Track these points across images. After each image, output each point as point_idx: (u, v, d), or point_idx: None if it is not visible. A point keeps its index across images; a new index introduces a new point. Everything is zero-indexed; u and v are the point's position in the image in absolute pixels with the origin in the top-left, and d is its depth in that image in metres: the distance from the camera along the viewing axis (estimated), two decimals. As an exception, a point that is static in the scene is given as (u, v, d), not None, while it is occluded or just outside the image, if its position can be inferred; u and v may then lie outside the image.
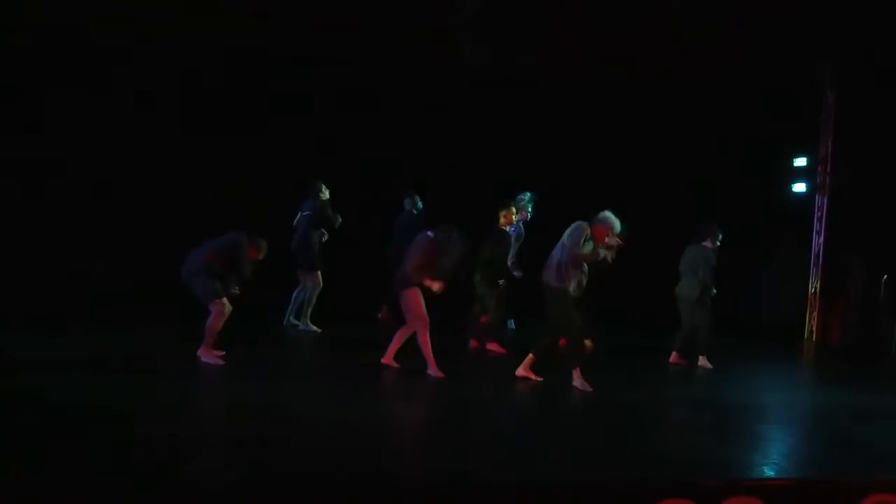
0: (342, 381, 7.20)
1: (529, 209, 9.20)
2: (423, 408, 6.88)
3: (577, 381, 7.12)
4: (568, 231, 7.14)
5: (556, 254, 7.12)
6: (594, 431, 6.22)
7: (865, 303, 10.27)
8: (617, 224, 7.13)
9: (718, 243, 8.58)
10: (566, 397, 7.10)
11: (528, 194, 9.22)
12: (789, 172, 11.43)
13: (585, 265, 7.12)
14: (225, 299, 7.30)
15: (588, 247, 7.09)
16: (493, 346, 8.69)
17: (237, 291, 7.52)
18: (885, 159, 10.08)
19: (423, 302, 7.30)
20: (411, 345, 7.44)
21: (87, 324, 8.69)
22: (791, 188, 11.42)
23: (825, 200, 11.01)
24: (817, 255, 11.08)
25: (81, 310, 8.89)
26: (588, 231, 7.07)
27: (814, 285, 11.06)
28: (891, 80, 10.00)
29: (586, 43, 9.94)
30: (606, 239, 7.10)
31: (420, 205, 10.15)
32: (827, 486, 5.03)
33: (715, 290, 8.56)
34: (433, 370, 7.29)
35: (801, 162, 11.32)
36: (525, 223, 9.24)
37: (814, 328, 10.97)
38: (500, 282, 8.62)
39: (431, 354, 7.32)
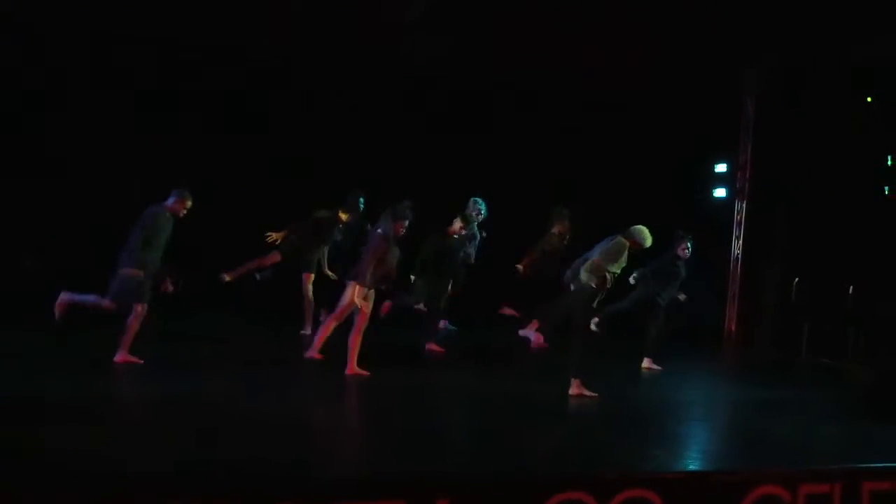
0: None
1: (483, 211, 9.55)
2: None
3: (575, 389, 7.16)
4: (605, 245, 7.24)
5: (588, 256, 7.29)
6: (496, 426, 6.35)
7: (780, 304, 10.62)
8: (648, 239, 7.24)
9: (684, 245, 8.76)
10: (479, 393, 7.29)
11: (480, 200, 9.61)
12: (710, 178, 11.76)
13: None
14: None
15: (622, 262, 7.18)
16: (431, 347, 8.87)
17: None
18: (802, 165, 10.44)
19: (368, 299, 7.32)
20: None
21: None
22: (712, 193, 11.75)
23: (744, 205, 11.36)
24: (736, 259, 11.42)
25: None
26: (626, 247, 7.15)
27: (733, 288, 11.39)
28: (808, 88, 10.37)
29: (514, 44, 10.15)
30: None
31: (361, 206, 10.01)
32: (718, 478, 5.26)
33: (678, 297, 8.89)
34: (351, 368, 7.35)
35: (721, 168, 11.66)
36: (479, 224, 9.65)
37: (732, 329, 11.30)
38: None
39: (356, 354, 7.37)
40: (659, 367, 8.81)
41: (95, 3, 9.35)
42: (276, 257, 8.98)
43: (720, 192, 11.69)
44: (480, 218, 9.48)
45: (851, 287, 9.52)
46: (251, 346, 8.88)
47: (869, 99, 9.69)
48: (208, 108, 10.54)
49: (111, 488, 4.30)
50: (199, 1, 9.21)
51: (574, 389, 7.16)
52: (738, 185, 11.40)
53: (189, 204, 7.45)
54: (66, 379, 6.72)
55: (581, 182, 11.51)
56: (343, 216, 9.17)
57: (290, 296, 9.32)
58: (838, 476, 5.33)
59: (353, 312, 7.44)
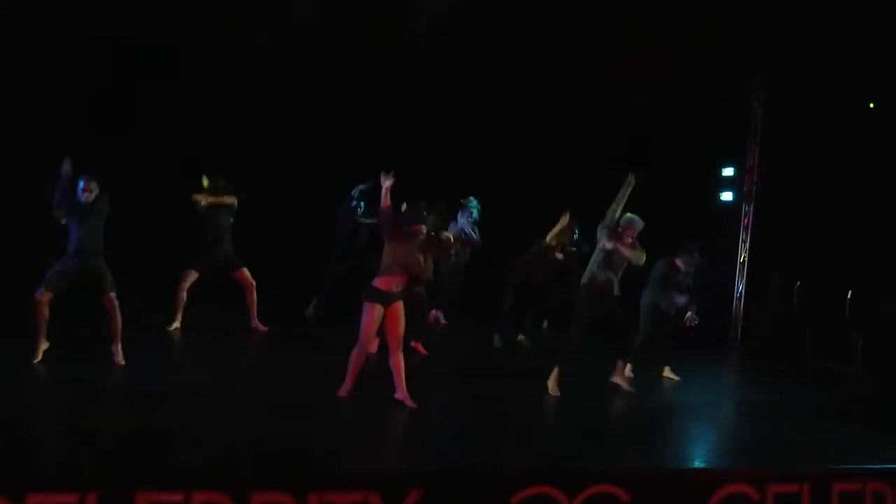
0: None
1: (475, 213, 9.78)
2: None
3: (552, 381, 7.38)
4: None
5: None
6: (475, 423, 6.52)
7: (784, 308, 10.68)
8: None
9: (687, 259, 8.50)
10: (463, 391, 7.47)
11: (473, 199, 9.85)
12: (717, 181, 11.83)
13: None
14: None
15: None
16: (416, 345, 8.88)
17: None
18: (809, 169, 10.49)
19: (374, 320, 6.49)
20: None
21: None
22: (719, 197, 11.82)
23: (751, 209, 11.43)
24: (743, 261, 11.49)
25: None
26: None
27: (739, 290, 11.47)
28: (816, 92, 10.41)
29: (523, 46, 10.32)
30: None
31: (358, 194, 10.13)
32: (687, 476, 5.41)
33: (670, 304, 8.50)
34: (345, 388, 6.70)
35: (728, 171, 11.73)
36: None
37: (738, 331, 11.38)
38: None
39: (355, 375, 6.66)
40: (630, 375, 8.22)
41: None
42: None
43: (727, 196, 11.75)
44: (471, 219, 9.67)
45: (851, 291, 9.54)
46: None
47: (871, 105, 9.69)
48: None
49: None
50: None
51: (552, 380, 7.37)
52: (745, 189, 11.47)
53: None
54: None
55: (588, 184, 11.63)
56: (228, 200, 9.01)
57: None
58: (807, 476, 5.46)
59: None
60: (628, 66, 10.51)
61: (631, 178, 7.46)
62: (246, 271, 9.09)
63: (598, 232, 7.48)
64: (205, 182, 8.99)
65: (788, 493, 5.39)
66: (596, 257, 7.53)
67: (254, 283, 9.11)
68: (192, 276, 8.91)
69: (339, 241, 9.99)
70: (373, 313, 6.40)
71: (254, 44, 10.59)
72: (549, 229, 9.36)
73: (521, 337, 9.75)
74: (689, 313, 8.38)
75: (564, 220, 9.35)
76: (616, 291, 7.51)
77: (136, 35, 10.31)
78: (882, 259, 9.57)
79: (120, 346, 7.26)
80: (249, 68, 10.94)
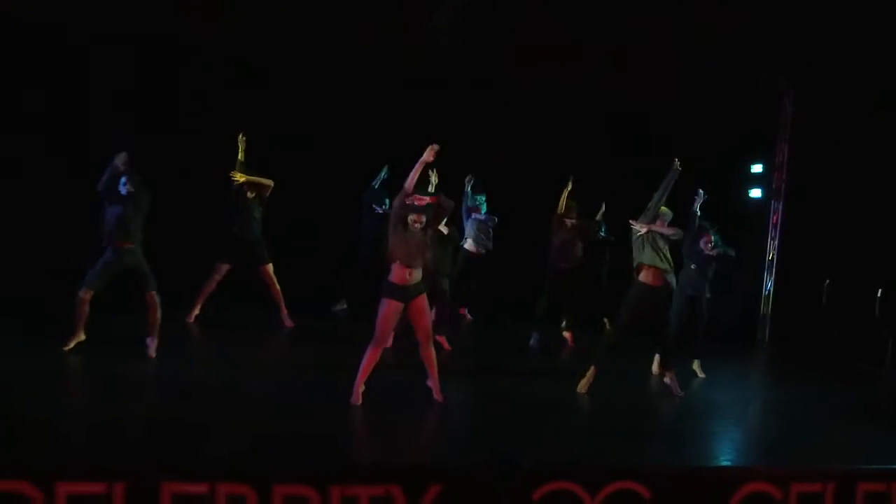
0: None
1: (483, 208, 9.94)
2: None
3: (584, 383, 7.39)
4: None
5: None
6: (497, 419, 6.53)
7: (812, 305, 10.57)
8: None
9: (706, 245, 8.49)
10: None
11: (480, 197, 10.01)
12: (746, 178, 11.74)
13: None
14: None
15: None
16: (441, 339, 8.80)
17: None
18: (838, 166, 10.38)
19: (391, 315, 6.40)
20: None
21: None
22: (748, 193, 11.73)
23: (780, 205, 11.34)
24: (771, 259, 11.40)
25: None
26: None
27: (767, 288, 11.38)
28: (846, 88, 10.29)
29: (543, 45, 10.32)
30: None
31: (384, 175, 10.29)
32: (709, 474, 5.40)
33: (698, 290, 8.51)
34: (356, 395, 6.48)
35: (757, 168, 11.64)
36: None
37: (766, 329, 11.29)
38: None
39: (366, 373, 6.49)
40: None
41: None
42: None
43: (756, 193, 11.66)
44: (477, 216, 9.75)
45: (880, 290, 9.41)
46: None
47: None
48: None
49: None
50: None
51: (585, 379, 7.38)
52: (774, 186, 11.38)
53: None
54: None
55: (617, 182, 11.61)
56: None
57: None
58: (831, 475, 5.42)
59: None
60: (654, 63, 10.48)
61: (677, 165, 7.41)
62: (270, 269, 9.11)
63: (641, 218, 7.44)
64: (241, 156, 8.94)
65: (812, 493, 5.36)
66: (638, 245, 7.47)
67: (275, 280, 9.14)
68: (224, 268, 8.96)
69: (362, 247, 10.13)
70: (389, 309, 6.33)
71: (255, 44, 10.68)
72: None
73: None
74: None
75: (569, 186, 9.50)
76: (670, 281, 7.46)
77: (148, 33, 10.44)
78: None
79: (156, 341, 7.41)
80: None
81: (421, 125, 10.93)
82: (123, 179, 7.25)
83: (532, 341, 9.43)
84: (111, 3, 9.68)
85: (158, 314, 7.38)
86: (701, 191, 8.55)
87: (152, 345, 7.40)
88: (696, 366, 8.63)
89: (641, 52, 10.24)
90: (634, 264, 7.51)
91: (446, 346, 8.76)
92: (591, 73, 10.90)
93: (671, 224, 7.63)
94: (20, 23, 9.95)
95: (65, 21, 10.07)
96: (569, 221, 9.35)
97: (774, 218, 11.39)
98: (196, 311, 9.00)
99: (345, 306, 10.37)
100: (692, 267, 8.48)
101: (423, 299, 6.52)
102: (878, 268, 9.67)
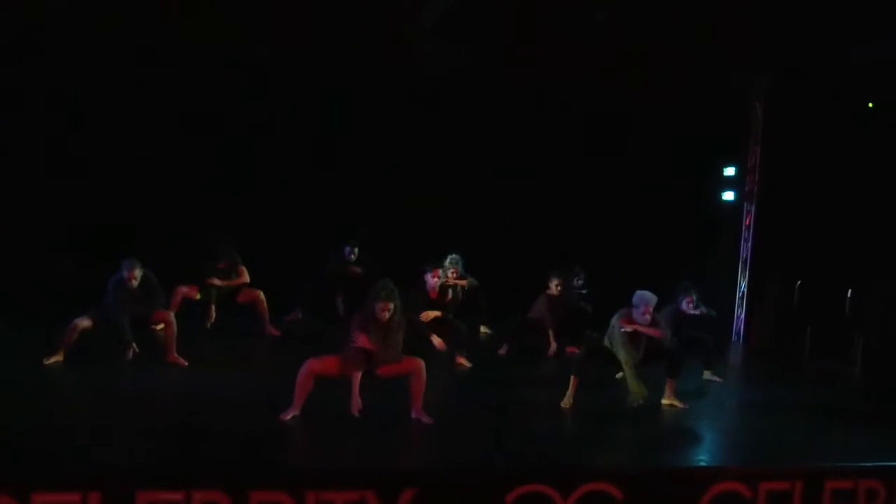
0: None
1: (460, 268, 9.44)
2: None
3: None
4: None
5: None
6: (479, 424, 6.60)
7: (784, 306, 10.73)
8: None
9: (688, 306, 8.46)
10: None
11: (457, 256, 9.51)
12: (719, 181, 11.89)
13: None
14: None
15: None
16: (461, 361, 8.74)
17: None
18: (810, 168, 10.52)
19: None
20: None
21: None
22: (720, 196, 11.87)
23: (753, 208, 11.48)
24: (745, 261, 11.55)
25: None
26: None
27: (741, 289, 11.53)
28: (817, 92, 10.44)
29: (525, 53, 10.40)
30: None
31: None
32: (679, 473, 5.49)
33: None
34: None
35: (730, 171, 11.79)
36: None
37: (740, 329, 11.44)
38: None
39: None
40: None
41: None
42: None
43: (728, 196, 11.80)
44: (457, 273, 9.32)
45: (850, 290, 9.58)
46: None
47: (871, 104, 9.73)
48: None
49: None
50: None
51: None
52: (746, 189, 11.52)
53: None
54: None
55: (591, 184, 11.73)
56: None
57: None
58: (800, 474, 5.52)
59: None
60: (627, 65, 10.59)
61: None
62: (254, 291, 9.34)
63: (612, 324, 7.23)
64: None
65: (781, 491, 5.46)
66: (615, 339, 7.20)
67: (259, 294, 9.32)
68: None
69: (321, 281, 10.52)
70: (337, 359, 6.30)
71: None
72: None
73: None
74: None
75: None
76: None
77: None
78: (882, 258, 9.59)
79: (175, 353, 7.71)
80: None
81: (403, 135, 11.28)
82: (125, 271, 7.57)
83: (502, 349, 9.52)
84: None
85: (175, 331, 7.69)
86: (695, 295, 8.47)
87: (176, 357, 7.68)
88: (707, 375, 8.70)
89: (617, 53, 10.34)
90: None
91: (466, 364, 8.69)
92: (566, 73, 10.99)
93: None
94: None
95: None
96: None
97: (747, 220, 11.52)
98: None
99: (300, 316, 10.40)
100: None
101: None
102: (848, 268, 9.83)
